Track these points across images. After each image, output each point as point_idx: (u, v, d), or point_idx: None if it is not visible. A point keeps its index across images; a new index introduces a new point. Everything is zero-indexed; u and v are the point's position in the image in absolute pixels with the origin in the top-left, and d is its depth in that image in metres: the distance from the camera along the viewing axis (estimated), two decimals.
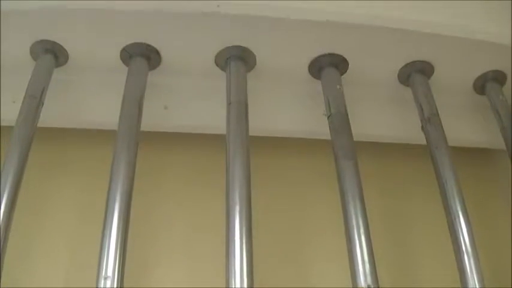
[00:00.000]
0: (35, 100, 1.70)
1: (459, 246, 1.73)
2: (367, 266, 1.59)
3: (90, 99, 1.86)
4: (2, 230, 1.55)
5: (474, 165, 2.18)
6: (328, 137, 1.74)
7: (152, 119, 1.79)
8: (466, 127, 2.04)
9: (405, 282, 1.90)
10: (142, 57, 1.80)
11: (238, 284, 1.50)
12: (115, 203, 1.60)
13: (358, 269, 1.60)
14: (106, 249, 1.57)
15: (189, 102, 1.89)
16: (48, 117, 1.74)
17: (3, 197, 1.59)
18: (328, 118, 1.75)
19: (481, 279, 1.67)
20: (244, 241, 1.53)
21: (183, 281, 1.82)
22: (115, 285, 1.55)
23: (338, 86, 1.82)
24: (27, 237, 1.80)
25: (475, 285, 1.67)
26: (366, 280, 1.58)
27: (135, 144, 1.65)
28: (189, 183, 1.97)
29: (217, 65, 1.82)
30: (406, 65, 1.91)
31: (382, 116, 1.98)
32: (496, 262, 1.95)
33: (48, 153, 1.93)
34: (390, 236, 1.95)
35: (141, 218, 1.74)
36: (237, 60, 1.81)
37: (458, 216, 1.75)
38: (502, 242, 2.03)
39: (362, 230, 1.62)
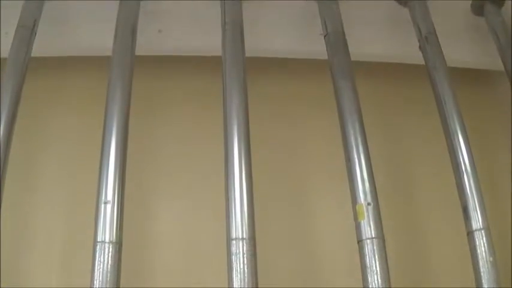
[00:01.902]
0: (27, 30, 1.67)
1: (458, 165, 1.73)
2: (367, 184, 1.59)
3: (83, 25, 1.83)
4: (1, 160, 1.54)
5: (472, 87, 2.17)
6: (326, 57, 1.71)
7: (147, 43, 1.76)
8: (464, 48, 2.02)
9: (404, 200, 1.90)
10: None
11: (238, 199, 1.54)
12: (112, 128, 1.59)
13: (358, 188, 1.60)
14: (105, 174, 1.56)
15: (184, 25, 1.86)
16: (42, 47, 1.71)
17: (1, 126, 1.58)
18: (324, 38, 1.73)
19: (480, 198, 1.67)
20: (243, 161, 1.53)
21: (184, 204, 1.82)
22: (115, 210, 1.54)
23: (334, 5, 1.78)
24: (26, 164, 1.79)
25: (475, 202, 1.68)
26: (365, 198, 1.59)
27: (130, 68, 1.63)
28: (186, 105, 1.95)
29: None
30: None
31: (379, 36, 1.96)
32: (494, 181, 1.94)
33: (45, 82, 1.90)
34: (389, 155, 1.94)
35: (140, 143, 1.74)
36: None
37: (457, 136, 1.74)
38: (501, 161, 2.03)
39: (361, 150, 1.61)
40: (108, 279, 1.56)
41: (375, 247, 1.66)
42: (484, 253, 1.71)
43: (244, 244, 1.59)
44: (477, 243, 1.72)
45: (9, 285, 1.70)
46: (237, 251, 1.59)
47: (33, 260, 1.80)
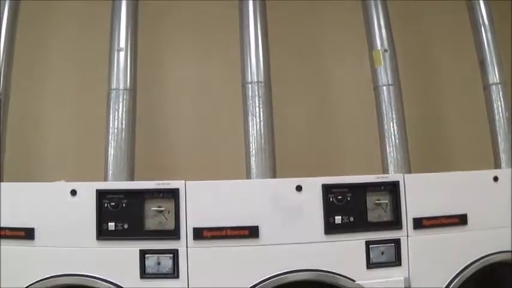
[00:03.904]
0: None
1: (476, 18, 1.70)
2: (384, 30, 1.57)
3: None
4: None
5: None
6: None
7: None
8: None
9: (421, 48, 1.88)
10: None
11: (253, 42, 1.55)
12: None
13: (375, 33, 1.58)
14: (117, 21, 1.55)
15: None
16: None
17: None
18: None
19: (497, 51, 1.65)
20: (257, 5, 1.52)
21: (197, 50, 1.81)
22: (129, 57, 1.52)
23: None
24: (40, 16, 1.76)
25: (492, 56, 1.66)
26: (382, 44, 1.56)
27: None
28: None
29: None
30: None
31: None
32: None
33: None
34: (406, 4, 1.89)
35: None
36: None
37: None
38: None
39: None
40: (124, 126, 1.55)
41: (391, 94, 1.64)
42: (500, 108, 1.69)
43: (260, 87, 1.58)
44: (493, 97, 1.70)
45: (24, 133, 1.72)
46: (253, 95, 1.57)
47: (48, 109, 1.82)
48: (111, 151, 1.54)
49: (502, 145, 1.69)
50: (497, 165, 1.67)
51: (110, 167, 1.52)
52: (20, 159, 1.74)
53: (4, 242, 1.35)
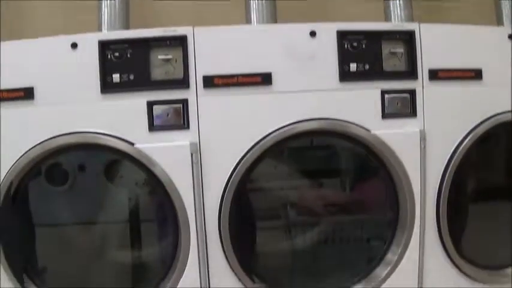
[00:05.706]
0: None
1: None
2: None
3: None
4: None
5: None
6: None
7: None
8: None
9: None
10: None
11: None
12: None
13: None
14: None
15: None
16: None
17: None
18: None
19: None
20: None
21: None
22: None
23: None
24: None
25: None
26: None
27: None
28: None
29: None
30: None
31: None
32: None
33: None
34: None
35: None
36: None
37: None
38: None
39: None
40: None
41: None
42: None
43: None
44: None
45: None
46: None
47: None
48: (105, 10, 1.47)
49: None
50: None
51: (106, 22, 1.46)
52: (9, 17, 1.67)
53: (2, 104, 1.27)
